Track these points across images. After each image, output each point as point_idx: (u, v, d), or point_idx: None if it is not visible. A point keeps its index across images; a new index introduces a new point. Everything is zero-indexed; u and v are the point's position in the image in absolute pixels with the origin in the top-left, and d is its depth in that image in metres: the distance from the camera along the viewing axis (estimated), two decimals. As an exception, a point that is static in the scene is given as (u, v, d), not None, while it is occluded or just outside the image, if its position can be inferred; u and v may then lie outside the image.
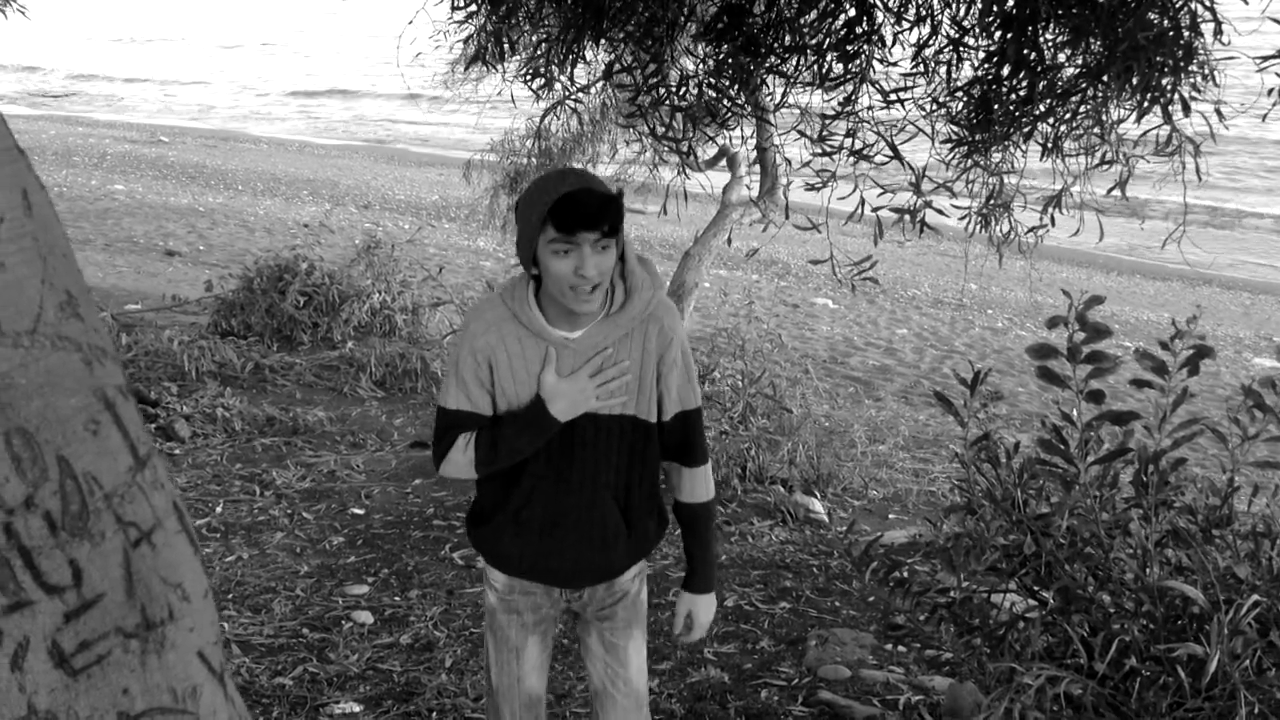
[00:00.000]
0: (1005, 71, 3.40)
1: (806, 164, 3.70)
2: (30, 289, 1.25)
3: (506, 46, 3.92)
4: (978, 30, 3.41)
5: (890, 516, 5.58)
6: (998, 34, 3.35)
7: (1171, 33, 2.91)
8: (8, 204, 1.25)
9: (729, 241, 6.48)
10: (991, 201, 4.08)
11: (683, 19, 3.72)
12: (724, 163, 8.02)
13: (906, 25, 3.53)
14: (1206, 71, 3.15)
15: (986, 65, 3.45)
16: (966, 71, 3.58)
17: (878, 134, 3.52)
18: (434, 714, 3.34)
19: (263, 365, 7.10)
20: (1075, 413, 2.47)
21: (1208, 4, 2.98)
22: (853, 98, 3.58)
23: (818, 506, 5.41)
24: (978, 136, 3.58)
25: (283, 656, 3.66)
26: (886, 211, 3.56)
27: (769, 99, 4.11)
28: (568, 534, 2.23)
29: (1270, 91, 2.85)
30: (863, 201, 3.52)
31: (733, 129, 4.15)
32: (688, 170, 3.85)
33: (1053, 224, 3.98)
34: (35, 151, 20.52)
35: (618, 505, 2.24)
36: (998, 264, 4.36)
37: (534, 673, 2.36)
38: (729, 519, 5.22)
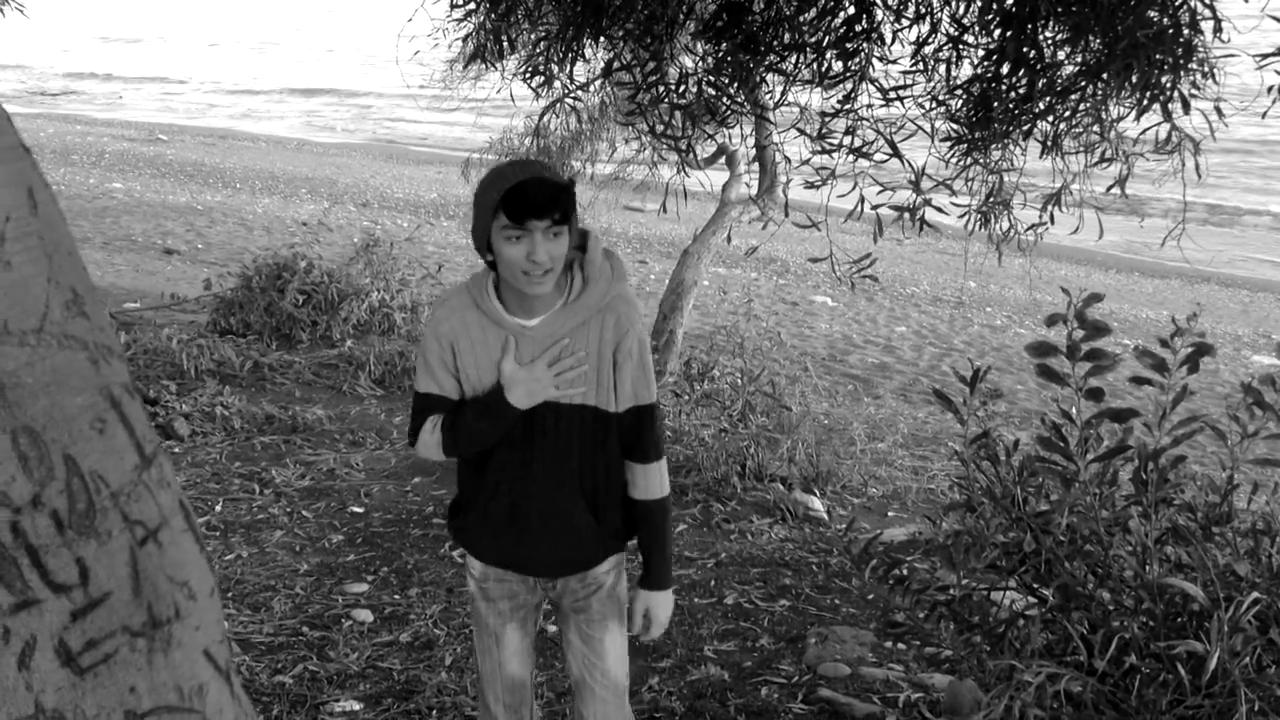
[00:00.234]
0: (1005, 69, 3.40)
1: (805, 162, 3.70)
2: (36, 287, 1.25)
3: (505, 44, 3.92)
4: (977, 28, 3.41)
5: (889, 514, 5.59)
6: (997, 32, 3.35)
7: (1171, 30, 2.91)
8: (13, 202, 1.25)
9: (728, 239, 6.48)
10: (991, 199, 4.07)
11: (682, 16, 3.72)
12: (723, 161, 8.02)
13: (906, 23, 3.53)
14: (1206, 69, 3.15)
15: (986, 63, 3.45)
16: (966, 69, 3.58)
17: (877, 132, 3.52)
18: (434, 712, 3.35)
19: (262, 364, 7.10)
20: (1075, 410, 2.47)
21: (1207, 1, 2.98)
22: (852, 96, 3.58)
23: (817, 504, 5.41)
24: (977, 134, 3.58)
25: (283, 655, 3.66)
26: (886, 209, 3.56)
27: (768, 97, 4.11)
28: (533, 524, 2.28)
29: (1270, 89, 2.85)
30: (862, 199, 3.52)
31: (732, 127, 4.15)
32: (687, 168, 3.85)
33: (1052, 222, 3.98)
34: (33, 150, 20.47)
35: (583, 495, 2.28)
36: (997, 262, 4.36)
37: (515, 659, 2.41)
38: (728, 517, 5.22)
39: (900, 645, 3.88)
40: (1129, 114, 3.40)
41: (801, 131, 3.71)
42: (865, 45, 3.54)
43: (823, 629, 3.95)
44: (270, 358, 7.23)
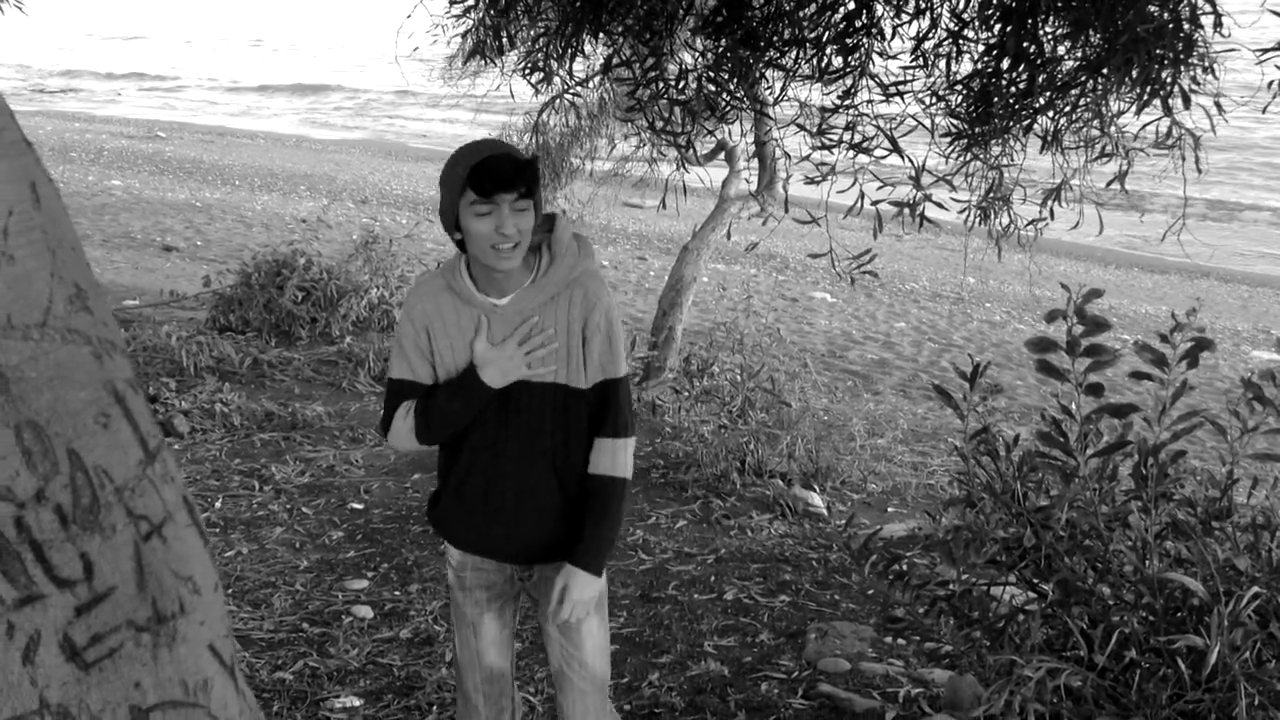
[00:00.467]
0: (1005, 64, 3.40)
1: (805, 158, 3.70)
2: (39, 282, 1.25)
3: (505, 40, 3.91)
4: (977, 23, 3.41)
5: (889, 510, 5.59)
6: (997, 27, 3.34)
7: (1171, 25, 2.90)
8: (17, 197, 1.25)
9: (728, 236, 6.47)
10: (991, 195, 4.07)
11: (681, 12, 3.72)
12: (722, 157, 8.01)
13: (906, 18, 3.52)
14: (1206, 64, 3.15)
15: (986, 58, 3.44)
16: (966, 65, 3.57)
17: (877, 128, 3.52)
18: (434, 708, 3.35)
19: (261, 360, 7.10)
20: (1074, 405, 2.47)
21: (1207, -4, 2.98)
22: (852, 91, 3.58)
23: (817, 500, 5.41)
24: (977, 130, 3.58)
25: (283, 651, 3.66)
26: (886, 205, 3.56)
27: (768, 92, 4.10)
28: (507, 503, 2.29)
29: (1271, 84, 2.85)
30: (862, 195, 3.51)
31: (732, 123, 4.14)
32: (686, 164, 3.85)
33: (1052, 217, 3.98)
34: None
35: (555, 474, 2.29)
36: (997, 258, 4.36)
37: (493, 648, 2.43)
38: (728, 512, 5.23)
39: (900, 640, 3.88)
40: (1129, 109, 3.40)
41: (801, 127, 3.70)
42: (865, 40, 3.54)
43: (823, 624, 3.95)
44: (270, 354, 7.23)
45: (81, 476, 1.24)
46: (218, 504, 4.98)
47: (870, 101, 3.58)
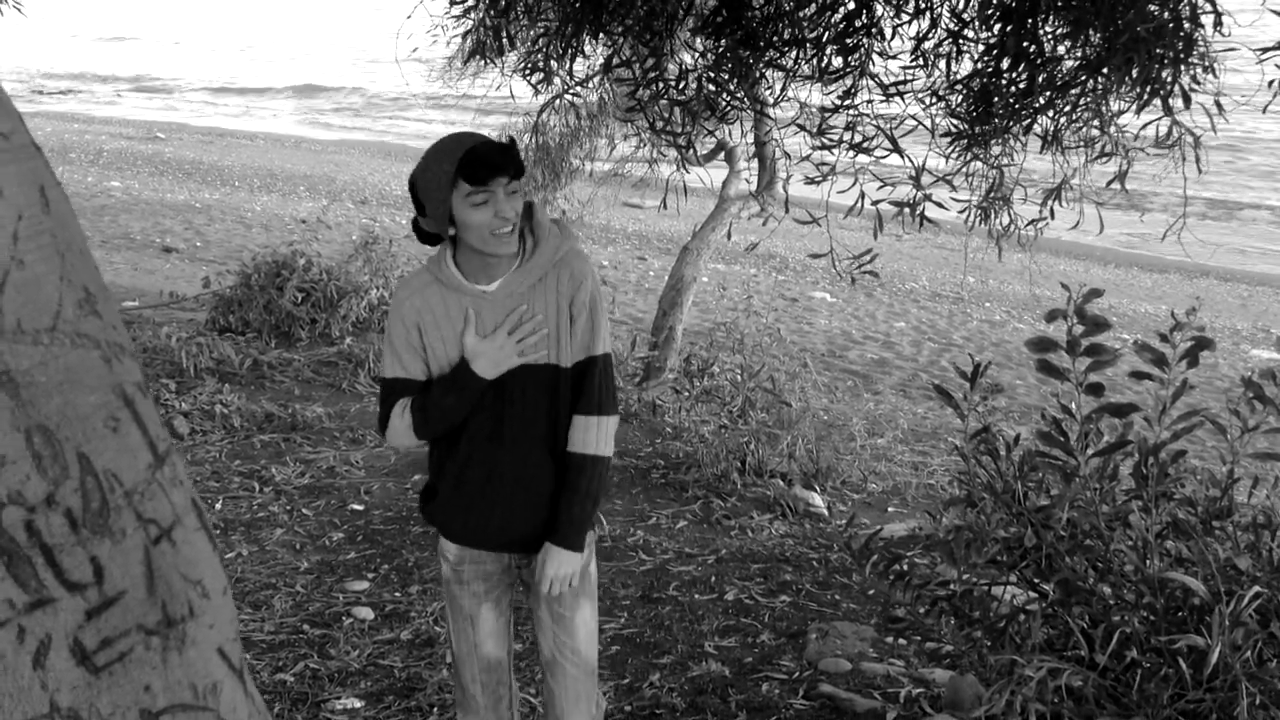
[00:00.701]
0: (1005, 64, 3.40)
1: (806, 158, 3.70)
2: (49, 286, 1.25)
3: (505, 41, 3.91)
4: (977, 22, 3.41)
5: (889, 509, 5.59)
6: (997, 26, 3.34)
7: (1172, 24, 2.90)
8: (26, 201, 1.25)
9: (729, 236, 6.47)
10: (991, 195, 4.07)
11: (682, 12, 3.72)
12: (722, 157, 8.01)
13: (906, 18, 3.52)
14: (1207, 64, 3.15)
15: (986, 58, 3.44)
16: (966, 65, 3.57)
17: (877, 128, 3.52)
18: (435, 709, 3.35)
19: (261, 362, 7.10)
20: (1075, 405, 2.47)
21: (1207, -5, 2.98)
22: (852, 91, 3.58)
23: (817, 500, 5.41)
24: (977, 129, 3.58)
25: (283, 653, 3.66)
26: (886, 205, 3.56)
27: (768, 93, 4.10)
28: (506, 489, 2.31)
29: (1271, 83, 2.85)
30: (862, 195, 3.51)
31: (732, 123, 4.14)
32: (686, 165, 3.85)
33: (1052, 216, 3.98)
34: (31, 148, 20.40)
35: (551, 457, 2.32)
36: (997, 257, 4.36)
37: (490, 639, 2.44)
38: (728, 513, 5.23)
39: (901, 640, 3.88)
40: (1129, 109, 3.40)
41: (801, 127, 3.70)
42: (865, 40, 3.54)
43: (823, 624, 3.95)
44: (269, 355, 7.23)
45: (91, 480, 1.24)
46: (218, 505, 4.98)
47: (870, 101, 3.58)
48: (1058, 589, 2.42)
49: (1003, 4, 3.25)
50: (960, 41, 3.45)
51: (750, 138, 7.26)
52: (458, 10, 4.00)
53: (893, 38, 3.61)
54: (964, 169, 3.89)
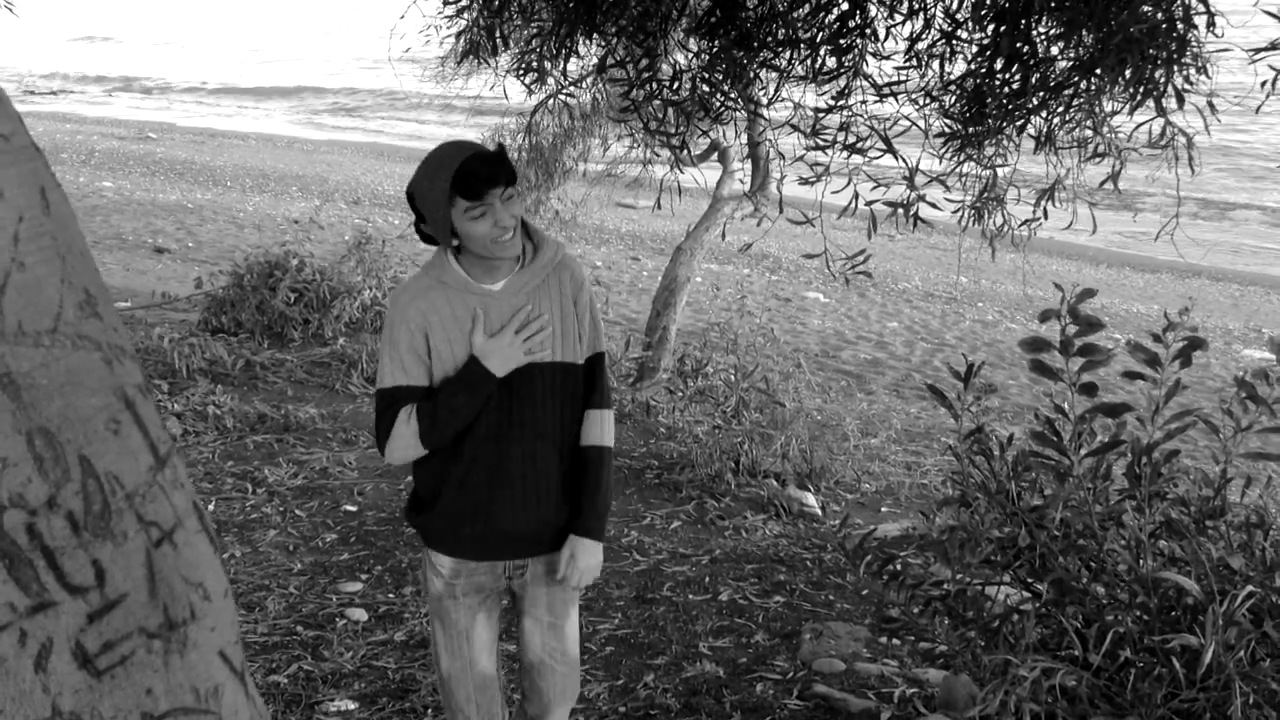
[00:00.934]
0: (998, 65, 3.40)
1: (800, 158, 3.70)
2: (50, 288, 1.25)
3: (499, 41, 3.91)
4: (970, 23, 3.41)
5: (883, 509, 5.60)
6: (990, 27, 3.35)
7: (1165, 25, 2.91)
8: (26, 203, 1.25)
9: (723, 236, 6.48)
10: (985, 195, 4.08)
11: (675, 13, 3.71)
12: (715, 157, 8.01)
13: (899, 19, 3.52)
14: (1200, 64, 3.16)
15: (979, 59, 3.45)
16: (959, 65, 3.58)
17: (871, 128, 3.52)
18: (429, 710, 3.34)
19: (254, 362, 7.08)
20: (1068, 405, 2.47)
21: (1199, -4, 2.99)
22: (846, 92, 3.58)
23: (811, 500, 5.41)
24: (971, 130, 3.58)
25: (277, 655, 3.65)
26: (880, 205, 3.56)
27: (762, 93, 4.10)
28: (513, 488, 2.32)
29: (1264, 84, 2.85)
30: (856, 195, 3.51)
31: (726, 124, 4.14)
32: (680, 165, 3.85)
33: (1045, 217, 3.99)
34: (22, 148, 20.30)
35: (557, 454, 2.36)
36: (990, 257, 4.36)
37: (484, 653, 2.42)
38: (722, 513, 5.23)
39: (895, 641, 3.88)
40: (1122, 109, 3.41)
41: (795, 128, 3.70)
42: (859, 41, 3.54)
43: (817, 625, 3.95)
44: (262, 356, 7.21)
45: (93, 483, 1.24)
46: (211, 507, 4.96)
47: (864, 102, 3.58)
48: (1051, 589, 2.42)
49: (996, 5, 3.25)
50: (954, 42, 3.46)
51: (744, 138, 7.27)
52: (451, 10, 4.00)
53: (886, 38, 3.61)
54: (957, 169, 3.89)
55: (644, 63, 3.71)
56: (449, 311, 2.27)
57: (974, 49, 3.49)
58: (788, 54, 3.66)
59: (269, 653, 3.66)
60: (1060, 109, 3.52)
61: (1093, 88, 3.36)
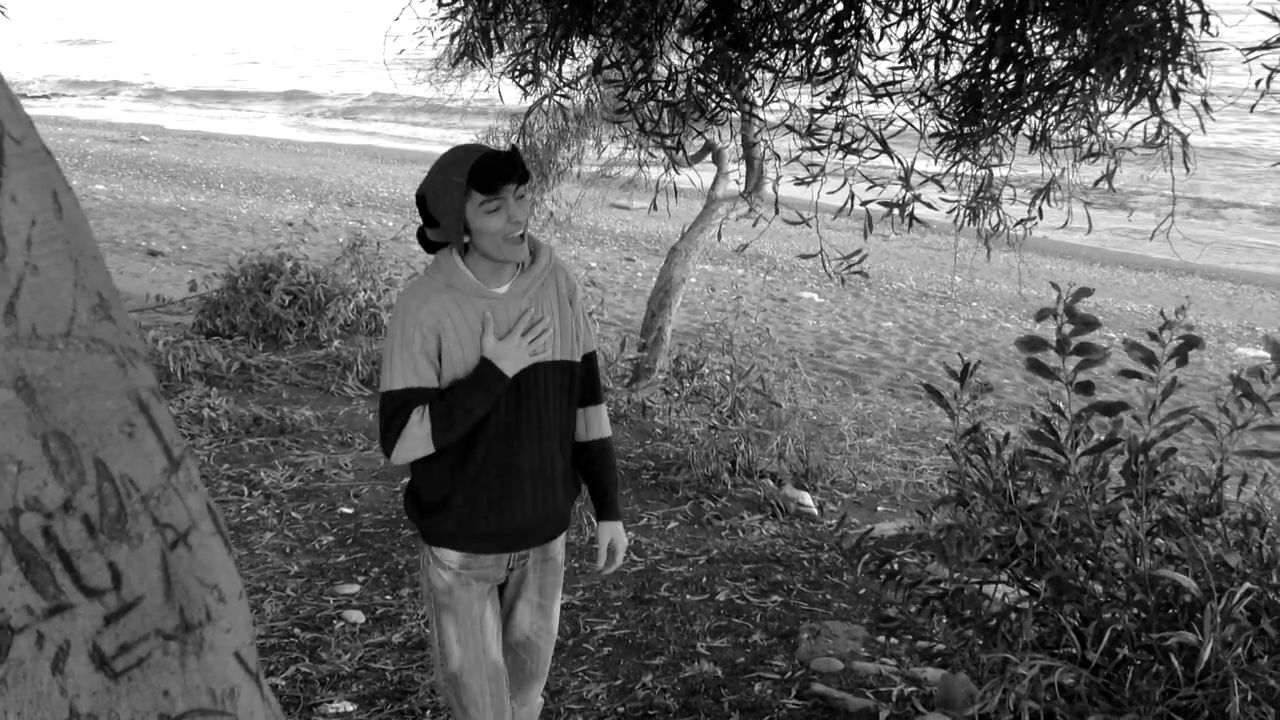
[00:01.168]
0: (993, 65, 3.41)
1: (795, 158, 3.70)
2: (63, 292, 1.25)
3: (494, 42, 3.91)
4: (965, 23, 3.42)
5: (879, 509, 5.60)
6: (985, 27, 3.35)
7: (1159, 24, 2.92)
8: (39, 207, 1.25)
9: (718, 237, 6.48)
10: (980, 195, 4.09)
11: (670, 14, 3.72)
12: (709, 158, 8.01)
13: (894, 19, 3.53)
14: (1194, 64, 3.17)
15: (974, 59, 3.46)
16: (954, 65, 3.58)
17: (866, 128, 3.53)
18: (428, 712, 3.34)
19: (248, 365, 7.07)
20: (1064, 404, 2.48)
21: (1194, -5, 3.00)
22: (841, 92, 3.58)
23: (808, 500, 5.42)
24: (966, 130, 3.59)
25: (274, 657, 3.65)
26: (875, 206, 3.57)
27: (757, 94, 4.11)
28: (523, 484, 2.40)
29: (1258, 82, 2.86)
30: (852, 196, 3.52)
31: (721, 124, 4.15)
32: (676, 166, 3.86)
33: (1040, 216, 4.00)
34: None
35: (559, 448, 2.46)
36: (985, 257, 4.37)
37: (494, 642, 2.48)
38: (719, 513, 5.23)
39: (893, 640, 3.89)
40: (1117, 109, 3.42)
41: (790, 128, 3.71)
42: (854, 42, 3.55)
43: (815, 624, 3.96)
44: (257, 359, 7.20)
45: (108, 486, 1.24)
46: (207, 509, 4.95)
47: (859, 102, 3.59)
48: (1049, 587, 2.43)
49: (991, 5, 3.26)
50: (948, 42, 3.47)
51: (739, 139, 7.27)
52: (445, 11, 3.99)
53: (881, 39, 3.61)
54: (953, 169, 3.90)
55: (639, 64, 3.71)
56: (459, 315, 2.32)
57: (969, 49, 3.50)
58: (783, 55, 3.67)
59: (266, 655, 3.65)
60: (1055, 109, 3.54)
61: (1087, 87, 3.37)
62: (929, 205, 3.65)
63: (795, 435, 5.89)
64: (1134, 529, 2.39)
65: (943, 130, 3.66)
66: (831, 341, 11.08)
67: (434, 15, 4.16)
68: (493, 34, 3.84)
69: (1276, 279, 16.75)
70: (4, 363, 1.19)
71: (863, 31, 3.53)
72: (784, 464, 5.75)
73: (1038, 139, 3.68)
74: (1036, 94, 3.38)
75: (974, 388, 2.63)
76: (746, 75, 3.83)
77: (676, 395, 6.57)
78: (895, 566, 2.72)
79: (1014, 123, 3.62)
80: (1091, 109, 3.56)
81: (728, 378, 6.35)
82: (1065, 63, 3.31)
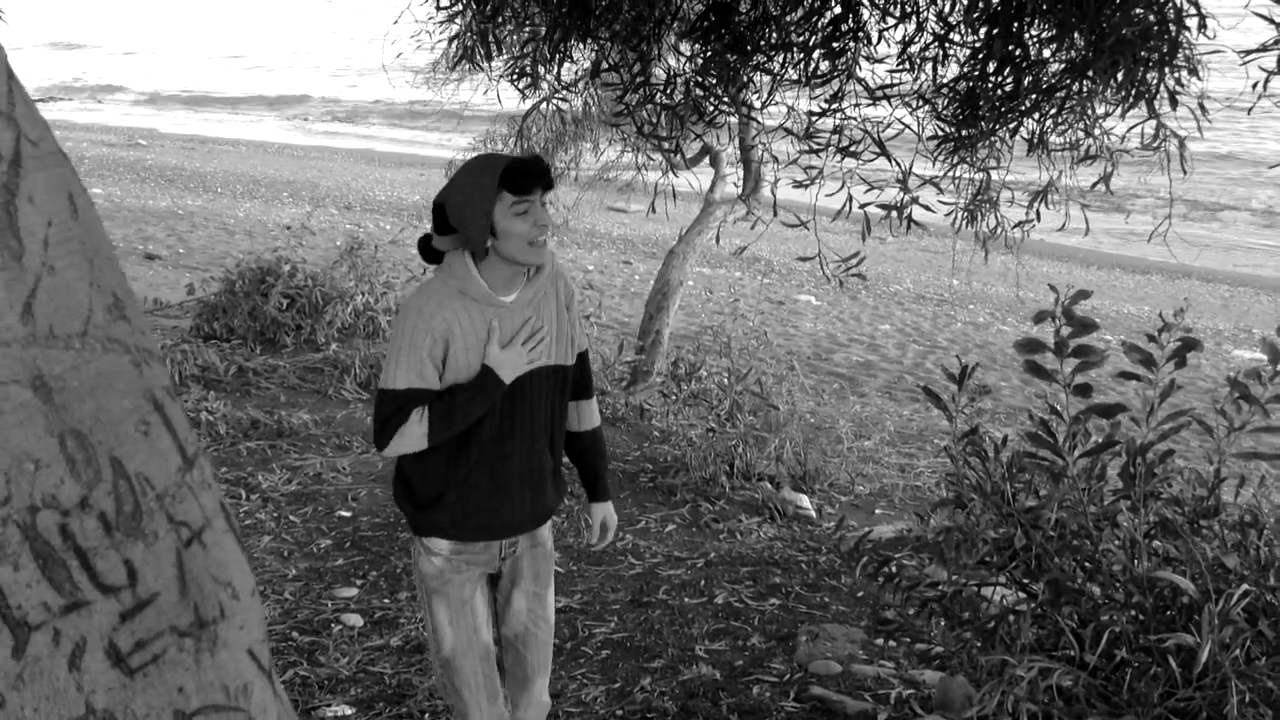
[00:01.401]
0: (990, 68, 3.42)
1: (793, 161, 3.71)
2: (79, 292, 1.27)
3: (492, 45, 3.91)
4: (963, 26, 3.42)
5: (877, 511, 5.61)
6: (983, 30, 3.36)
7: (1157, 27, 2.93)
8: (55, 208, 1.27)
9: (716, 239, 6.49)
10: (978, 197, 4.09)
11: (668, 18, 3.72)
12: (707, 161, 8.02)
13: (892, 22, 3.54)
14: (1191, 66, 3.17)
15: (972, 62, 3.46)
16: (952, 68, 3.59)
17: (864, 131, 3.53)
18: (426, 715, 3.34)
19: (246, 368, 7.06)
20: (1062, 406, 2.48)
21: (1191, -2, 3.01)
22: (839, 95, 3.59)
23: (806, 503, 5.42)
24: (964, 133, 3.60)
25: (273, 660, 3.64)
26: (873, 208, 3.57)
27: (755, 97, 4.11)
28: (514, 483, 2.48)
29: (1255, 85, 2.87)
30: (850, 198, 3.53)
31: (719, 127, 4.15)
32: (674, 169, 3.86)
33: (1038, 219, 4.00)
34: (11, 155, 20.19)
35: (549, 446, 2.55)
36: (983, 259, 4.38)
37: (485, 625, 2.54)
38: (717, 516, 5.23)
39: (891, 642, 3.87)
40: (1114, 111, 3.43)
41: (788, 131, 3.71)
42: (852, 45, 3.56)
43: (813, 627, 3.96)
44: (254, 362, 7.19)
45: (124, 484, 1.26)
46: (204, 513, 4.94)
47: (857, 105, 3.60)
48: (1047, 589, 2.43)
49: (988, 8, 3.27)
50: (946, 45, 3.47)
51: (737, 142, 7.28)
52: (443, 15, 4.00)
53: (879, 42, 3.62)
54: (950, 172, 3.91)
55: (637, 67, 3.72)
56: (469, 321, 2.37)
57: (966, 52, 3.50)
58: (781, 58, 3.67)
59: (264, 659, 3.65)
60: (1053, 111, 3.54)
61: (1085, 90, 3.37)
62: (927, 208, 3.66)
63: (793, 438, 5.89)
64: (1132, 531, 2.39)
65: (940, 133, 3.66)
66: (829, 344, 11.09)
67: (432, 19, 4.17)
68: (491, 37, 3.85)
69: (1273, 281, 16.78)
70: (21, 362, 1.21)
71: (861, 34, 3.54)
72: (782, 467, 5.75)
73: (1035, 141, 3.68)
74: (1034, 97, 3.38)
75: (972, 390, 2.64)
76: (744, 78, 3.83)
77: (674, 398, 6.57)
78: (893, 569, 2.72)
79: (1011, 125, 3.63)
80: (1089, 111, 3.57)
81: (725, 380, 6.36)
82: (1063, 65, 3.32)
